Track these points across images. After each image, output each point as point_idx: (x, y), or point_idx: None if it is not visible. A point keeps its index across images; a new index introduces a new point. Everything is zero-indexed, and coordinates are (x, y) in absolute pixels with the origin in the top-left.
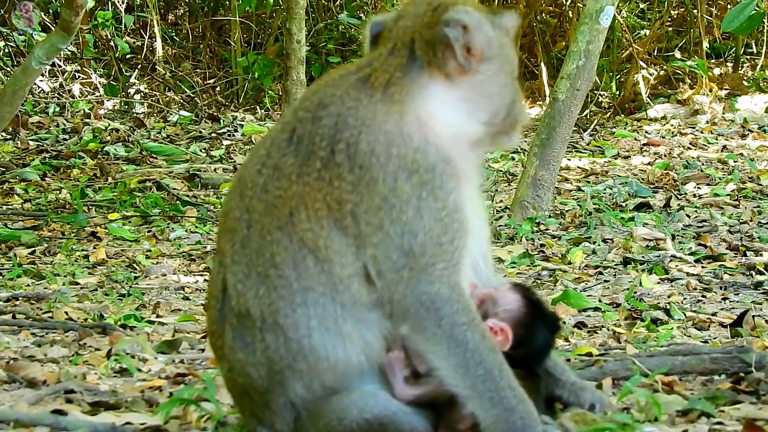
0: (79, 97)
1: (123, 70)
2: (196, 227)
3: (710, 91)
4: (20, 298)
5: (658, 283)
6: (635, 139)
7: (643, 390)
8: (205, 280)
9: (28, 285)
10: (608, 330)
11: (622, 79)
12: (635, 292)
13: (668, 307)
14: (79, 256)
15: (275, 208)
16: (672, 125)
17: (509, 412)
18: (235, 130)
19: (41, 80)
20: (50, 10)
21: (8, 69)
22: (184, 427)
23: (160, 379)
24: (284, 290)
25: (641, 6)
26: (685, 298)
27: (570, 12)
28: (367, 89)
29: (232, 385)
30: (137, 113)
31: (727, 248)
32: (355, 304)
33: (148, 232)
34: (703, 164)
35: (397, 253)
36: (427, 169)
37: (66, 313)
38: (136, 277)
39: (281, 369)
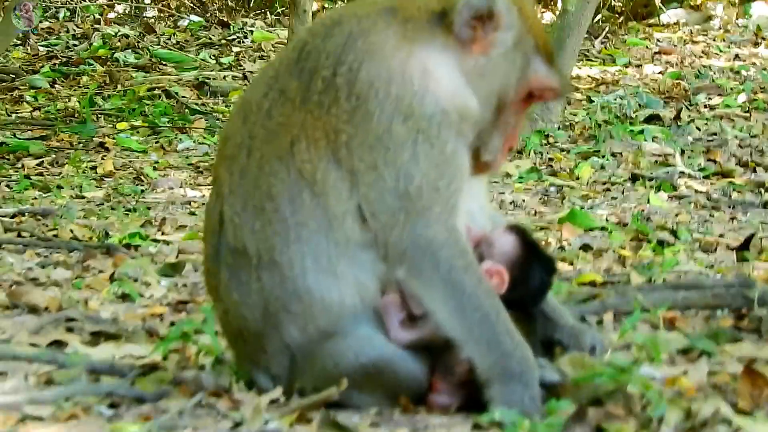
0: (90, 1)
1: None
2: (204, 138)
3: None
4: (26, 214)
5: (667, 200)
6: (647, 47)
7: (644, 327)
8: None
9: (35, 198)
10: (614, 253)
11: None
12: (643, 211)
13: (675, 227)
14: (86, 167)
15: (277, 136)
16: (684, 33)
17: (506, 357)
18: (245, 37)
19: None
20: None
21: None
22: (182, 364)
23: (162, 306)
24: (279, 225)
25: None
26: (692, 218)
27: None
28: (387, 17)
29: (227, 328)
30: (147, 17)
31: (736, 164)
32: (349, 242)
33: (156, 143)
34: (714, 74)
35: (392, 196)
36: (423, 117)
37: (71, 231)
38: (142, 191)
39: (276, 311)
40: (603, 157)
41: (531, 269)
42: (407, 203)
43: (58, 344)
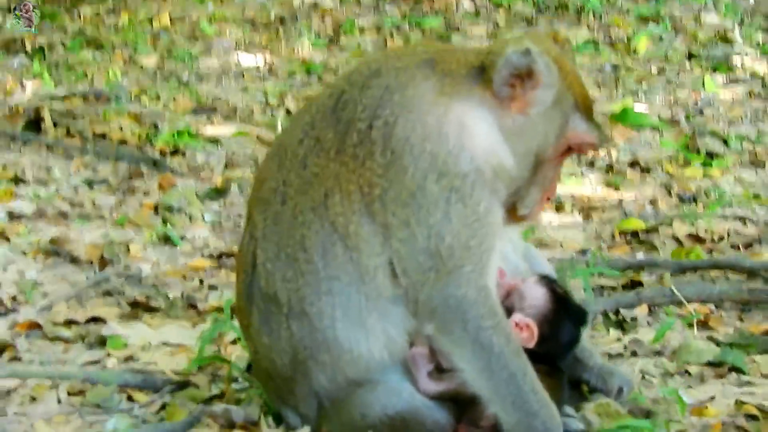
0: None
1: None
2: None
3: None
4: (77, 95)
5: (722, 85)
6: None
7: (677, 323)
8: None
9: (89, 62)
10: (662, 171)
11: None
12: (697, 102)
13: (727, 130)
14: (143, 19)
15: (311, 186)
16: None
17: (531, 416)
18: None
19: None
20: None
21: None
22: (214, 373)
23: (203, 259)
24: (311, 277)
25: None
26: (746, 112)
27: None
28: (426, 70)
29: (257, 365)
30: None
31: None
32: (379, 296)
33: None
34: None
35: (423, 254)
36: (457, 176)
37: (121, 127)
38: (196, 57)
39: (305, 359)
40: (661, 23)
41: (561, 324)
42: (438, 262)
43: (96, 321)
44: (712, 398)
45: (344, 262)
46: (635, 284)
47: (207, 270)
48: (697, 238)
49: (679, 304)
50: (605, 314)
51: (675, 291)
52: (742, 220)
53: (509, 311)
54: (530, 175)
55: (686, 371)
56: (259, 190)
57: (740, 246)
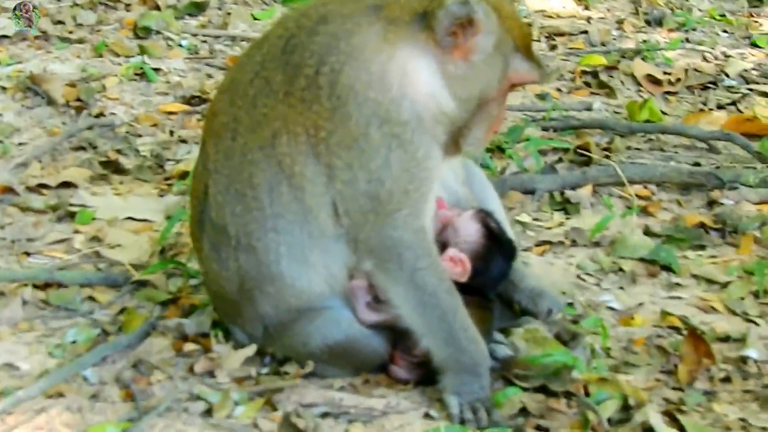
0: None
1: None
2: None
3: None
4: None
5: None
6: None
7: (618, 205)
8: None
9: None
10: None
11: None
12: None
13: None
14: None
15: (260, 126)
16: None
17: (460, 351)
18: None
19: None
20: None
21: None
22: (173, 271)
23: (176, 102)
24: (258, 213)
25: None
26: None
27: None
28: (371, 17)
29: (207, 285)
30: None
31: None
32: (322, 234)
33: None
34: None
35: (363, 197)
36: (399, 123)
37: None
38: None
39: (251, 288)
40: None
41: (493, 259)
42: (377, 205)
43: (67, 186)
44: (640, 305)
45: (289, 201)
46: (584, 154)
47: (179, 116)
48: (654, 80)
49: (622, 185)
50: (551, 194)
51: (619, 171)
52: (702, 55)
53: (444, 246)
54: (473, 116)
55: (620, 268)
56: (212, 121)
57: (694, 89)
